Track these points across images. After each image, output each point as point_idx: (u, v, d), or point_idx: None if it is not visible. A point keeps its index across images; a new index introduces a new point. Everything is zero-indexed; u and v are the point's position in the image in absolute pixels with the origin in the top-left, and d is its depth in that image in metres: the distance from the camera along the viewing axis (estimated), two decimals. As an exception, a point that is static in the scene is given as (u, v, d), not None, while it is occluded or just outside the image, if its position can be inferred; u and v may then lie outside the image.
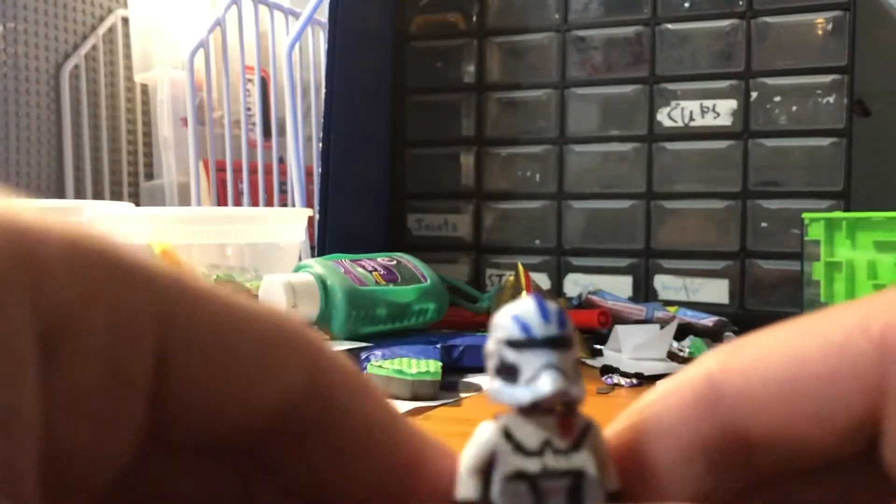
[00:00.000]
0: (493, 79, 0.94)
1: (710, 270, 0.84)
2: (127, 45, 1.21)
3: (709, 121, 0.84)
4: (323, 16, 0.97)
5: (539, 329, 0.13)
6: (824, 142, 0.80)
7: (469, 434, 0.14)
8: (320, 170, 0.88)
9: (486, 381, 0.14)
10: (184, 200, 1.10)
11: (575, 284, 0.90)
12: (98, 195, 1.19)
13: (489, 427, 0.14)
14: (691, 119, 0.85)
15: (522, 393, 0.13)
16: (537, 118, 0.92)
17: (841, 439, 0.13)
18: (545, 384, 0.13)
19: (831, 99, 0.79)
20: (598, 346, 0.70)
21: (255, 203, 1.05)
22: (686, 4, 0.85)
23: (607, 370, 0.61)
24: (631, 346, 0.64)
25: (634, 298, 0.85)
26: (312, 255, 0.91)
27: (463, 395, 0.56)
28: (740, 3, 0.83)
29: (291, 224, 0.82)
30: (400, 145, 0.98)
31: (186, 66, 1.02)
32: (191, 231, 0.76)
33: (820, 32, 0.80)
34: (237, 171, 1.06)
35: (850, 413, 0.13)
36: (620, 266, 0.88)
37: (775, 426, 0.13)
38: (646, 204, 0.87)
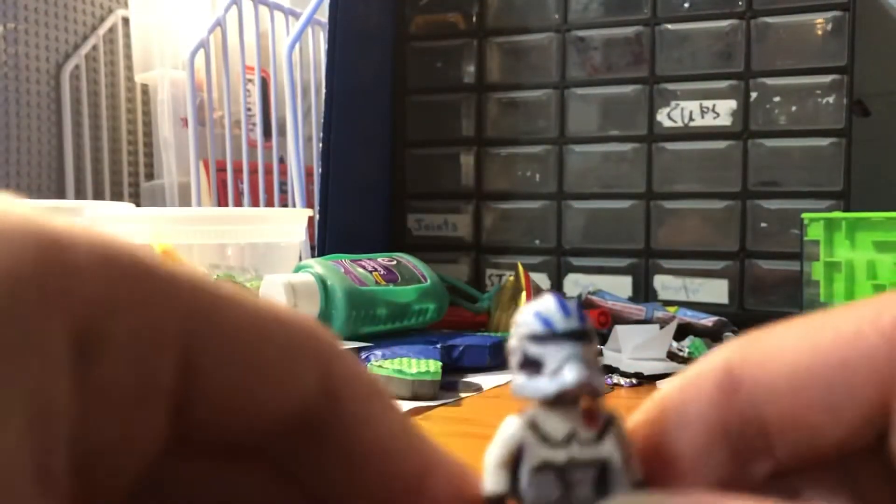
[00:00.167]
0: (493, 79, 0.94)
1: (710, 270, 0.84)
2: (127, 45, 1.21)
3: (708, 121, 0.84)
4: (323, 16, 0.97)
5: (561, 323, 0.14)
6: (824, 142, 0.80)
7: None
8: (320, 170, 0.88)
9: (509, 376, 0.14)
10: (184, 201, 1.10)
11: (575, 284, 0.90)
12: (98, 195, 1.19)
13: (515, 421, 0.14)
14: (691, 119, 0.85)
15: (547, 384, 0.13)
16: (537, 118, 0.92)
17: (852, 430, 0.13)
18: (570, 374, 0.13)
19: (831, 99, 0.80)
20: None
21: (255, 203, 1.05)
22: (686, 4, 0.85)
23: (607, 370, 0.61)
24: (631, 346, 0.64)
25: (634, 298, 0.85)
26: (312, 255, 0.91)
27: (463, 395, 0.56)
28: (740, 3, 0.83)
29: (291, 224, 0.82)
30: (400, 145, 0.98)
31: (187, 66, 1.02)
32: (191, 231, 0.76)
33: (820, 32, 0.80)
34: (237, 171, 1.06)
35: (861, 404, 0.13)
36: (620, 266, 0.88)
37: (790, 415, 0.14)
38: (645, 204, 0.87)
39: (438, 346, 0.62)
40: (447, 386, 0.57)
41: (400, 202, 0.98)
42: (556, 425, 0.14)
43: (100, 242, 0.12)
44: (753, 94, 0.83)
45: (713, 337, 0.72)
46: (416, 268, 0.74)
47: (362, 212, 0.94)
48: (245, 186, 1.05)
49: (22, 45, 1.11)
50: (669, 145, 0.86)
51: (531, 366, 0.14)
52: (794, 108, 0.81)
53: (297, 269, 0.69)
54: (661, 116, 0.86)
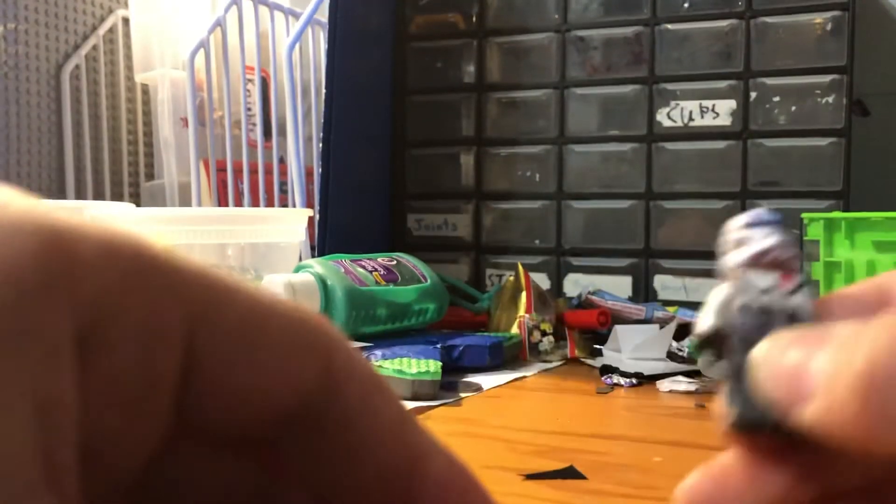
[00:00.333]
0: (493, 79, 0.94)
1: (710, 270, 0.84)
2: (127, 46, 1.21)
3: (708, 121, 0.84)
4: (323, 16, 0.97)
5: (765, 215, 0.18)
6: (823, 142, 0.80)
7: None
8: (320, 170, 0.88)
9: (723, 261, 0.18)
10: (184, 201, 1.10)
11: (575, 284, 0.90)
12: (99, 195, 1.19)
13: (726, 283, 0.18)
14: (691, 119, 0.85)
15: (756, 245, 0.18)
16: (537, 118, 0.92)
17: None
18: (773, 238, 0.18)
19: (830, 99, 0.80)
20: (597, 346, 0.70)
21: (255, 203, 1.05)
22: (685, 5, 0.85)
23: (607, 370, 0.61)
24: (630, 346, 0.64)
25: (634, 298, 0.85)
26: (312, 255, 0.91)
27: (463, 394, 0.56)
28: (740, 3, 0.83)
29: (291, 224, 0.82)
30: (400, 145, 0.98)
31: (187, 67, 1.02)
32: (191, 231, 0.76)
33: (819, 32, 0.80)
34: (237, 171, 1.07)
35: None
36: (620, 266, 0.88)
37: None
38: (645, 204, 0.87)
39: (438, 346, 0.62)
40: (447, 386, 0.57)
41: (400, 202, 0.98)
42: (761, 278, 0.17)
43: (104, 235, 0.12)
44: (753, 94, 0.83)
45: (713, 337, 0.72)
46: (416, 268, 0.74)
47: (362, 212, 0.94)
48: (245, 186, 1.05)
49: (22, 45, 1.11)
50: (669, 145, 0.86)
51: (741, 243, 0.18)
52: (793, 108, 0.81)
53: (298, 269, 0.69)
54: (661, 116, 0.86)
